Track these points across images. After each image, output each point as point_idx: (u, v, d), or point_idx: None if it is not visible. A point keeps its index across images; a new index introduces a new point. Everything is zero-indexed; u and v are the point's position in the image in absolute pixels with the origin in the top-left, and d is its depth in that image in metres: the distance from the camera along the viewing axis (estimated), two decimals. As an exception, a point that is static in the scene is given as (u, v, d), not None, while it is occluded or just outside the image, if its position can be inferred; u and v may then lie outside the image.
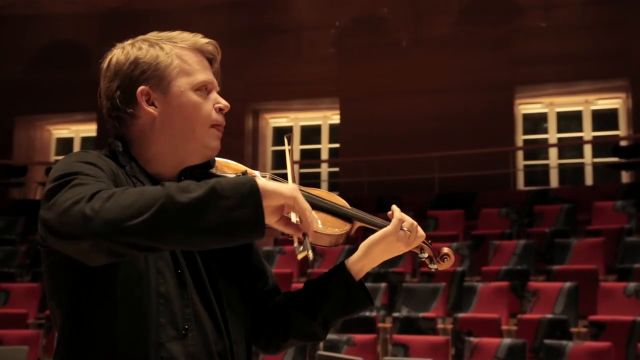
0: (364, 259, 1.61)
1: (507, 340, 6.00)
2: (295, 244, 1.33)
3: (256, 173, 1.61)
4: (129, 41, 1.56)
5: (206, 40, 1.57)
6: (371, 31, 11.47)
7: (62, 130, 13.30)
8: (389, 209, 1.64)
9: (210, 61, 1.57)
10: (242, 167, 1.61)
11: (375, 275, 7.67)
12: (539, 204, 9.09)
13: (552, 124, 11.19)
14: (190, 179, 1.49)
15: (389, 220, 1.61)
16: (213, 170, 1.57)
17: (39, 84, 12.47)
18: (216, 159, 1.60)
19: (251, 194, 1.24)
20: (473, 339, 6.08)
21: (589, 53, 10.44)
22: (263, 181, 1.27)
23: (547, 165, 11.18)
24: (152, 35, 1.57)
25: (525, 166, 11.22)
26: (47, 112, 12.71)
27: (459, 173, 10.43)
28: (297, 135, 12.14)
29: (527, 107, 11.27)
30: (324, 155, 12.12)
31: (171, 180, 1.53)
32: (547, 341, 5.96)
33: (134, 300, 1.39)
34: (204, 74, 1.53)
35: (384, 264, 7.85)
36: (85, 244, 1.24)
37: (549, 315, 6.43)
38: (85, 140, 13.17)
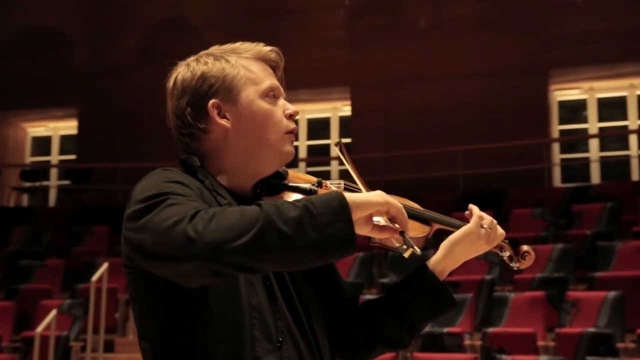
0: (446, 259, 1.76)
1: (543, 358, 6.01)
2: (397, 245, 1.52)
3: (328, 183, 1.77)
4: (192, 58, 1.72)
5: (269, 48, 1.74)
6: (385, 11, 11.48)
7: (38, 128, 13.38)
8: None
9: (274, 69, 1.74)
10: (312, 178, 1.77)
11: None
12: (578, 203, 9.09)
13: (592, 111, 11.18)
14: (266, 191, 1.68)
15: (465, 221, 1.77)
16: (287, 181, 1.72)
17: (12, 76, 12.55)
18: (288, 170, 1.76)
19: (341, 209, 1.40)
20: (505, 357, 6.08)
21: (634, 30, 10.40)
22: (351, 194, 1.44)
23: (587, 159, 11.16)
24: (215, 49, 1.73)
25: (562, 160, 11.20)
26: (21, 107, 12.80)
27: (486, 169, 10.43)
28: (302, 130, 12.17)
29: (563, 93, 11.26)
30: (334, 151, 12.13)
31: (247, 191, 1.69)
32: (589, 358, 5.95)
33: (227, 313, 1.52)
34: (270, 80, 1.70)
35: (404, 272, 7.86)
36: (188, 266, 1.38)
37: (592, 329, 6.44)
38: (64, 139, 13.25)
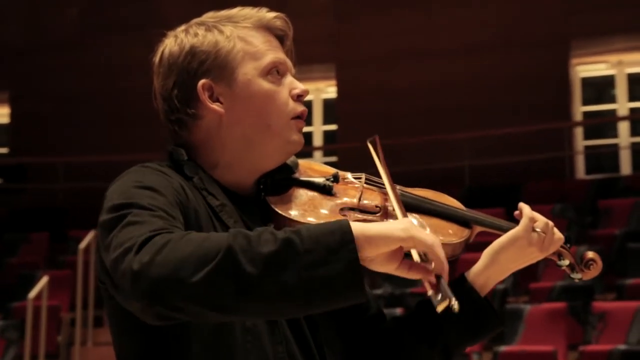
0: (490, 269, 1.73)
1: (565, 380, 6.08)
2: (430, 292, 1.37)
3: (349, 176, 1.75)
4: (182, 27, 1.69)
5: (273, 14, 1.71)
6: (375, -28, 11.51)
7: (-37, 117, 13.32)
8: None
9: (281, 39, 1.72)
10: (329, 169, 1.75)
11: (389, 297, 7.75)
12: (606, 198, 9.18)
13: (621, 89, 11.24)
14: (271, 187, 1.66)
15: (515, 221, 1.74)
16: (297, 175, 1.70)
17: None
18: (299, 161, 1.74)
19: (343, 245, 1.30)
20: (520, 380, 6.16)
21: (668, -6, 10.48)
22: (362, 226, 1.33)
23: (615, 146, 11.24)
24: (209, 17, 1.70)
25: (587, 147, 11.28)
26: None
27: (496, 159, 10.50)
28: (280, 115, 12.19)
29: (587, 68, 11.33)
30: (317, 140, 12.18)
31: (247, 189, 1.66)
32: (618, 380, 6.04)
33: (217, 337, 1.50)
34: (273, 53, 1.67)
35: (400, 283, 7.93)
36: (134, 305, 1.35)
37: (622, 347, 6.52)
38: (-5, 130, 13.19)
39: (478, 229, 1.75)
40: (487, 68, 10.85)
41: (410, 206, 1.71)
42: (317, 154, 12.23)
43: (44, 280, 7.65)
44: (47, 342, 7.66)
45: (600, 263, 1.77)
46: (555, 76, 10.88)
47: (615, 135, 11.29)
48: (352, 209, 1.66)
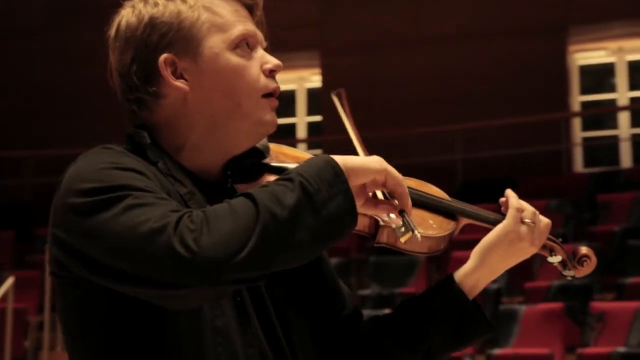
0: (480, 270, 1.70)
1: (562, 384, 6.11)
2: (393, 226, 1.51)
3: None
4: None
5: None
6: (362, -46, 11.51)
7: None
8: None
9: (250, 8, 1.67)
10: (303, 154, 1.72)
11: (377, 298, 7.76)
12: (605, 192, 9.23)
13: (621, 78, 11.27)
14: (240, 173, 1.62)
15: (501, 213, 1.71)
16: (268, 160, 1.66)
17: None
18: (270, 144, 1.70)
19: (336, 177, 1.41)
20: (515, 384, 6.18)
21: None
22: (342, 158, 1.44)
23: (615, 138, 11.28)
24: None
25: (585, 139, 11.32)
26: None
27: (490, 152, 10.53)
28: (261, 106, 12.17)
29: (585, 55, 11.36)
30: (301, 132, 12.18)
31: (214, 174, 1.63)
32: (618, 383, 6.07)
33: (185, 339, 1.47)
34: (242, 25, 1.62)
35: (389, 283, 7.95)
36: (179, 292, 1.35)
37: (622, 349, 6.55)
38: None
39: (464, 221, 1.73)
40: (480, 56, 10.87)
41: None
42: (301, 147, 12.22)
43: (10, 281, 7.62)
44: (14, 347, 7.63)
45: (594, 259, 1.74)
46: (551, 64, 10.90)
47: (614, 126, 11.32)
48: None
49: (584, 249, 1.74)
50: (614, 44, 11.19)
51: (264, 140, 1.67)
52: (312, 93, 12.20)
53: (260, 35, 1.65)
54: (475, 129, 10.51)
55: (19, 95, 12.16)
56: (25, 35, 12.20)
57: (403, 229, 1.48)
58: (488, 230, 1.72)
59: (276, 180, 1.41)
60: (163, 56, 1.57)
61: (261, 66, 1.62)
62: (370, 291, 8.04)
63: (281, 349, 1.58)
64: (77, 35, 11.65)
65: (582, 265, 1.74)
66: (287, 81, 12.29)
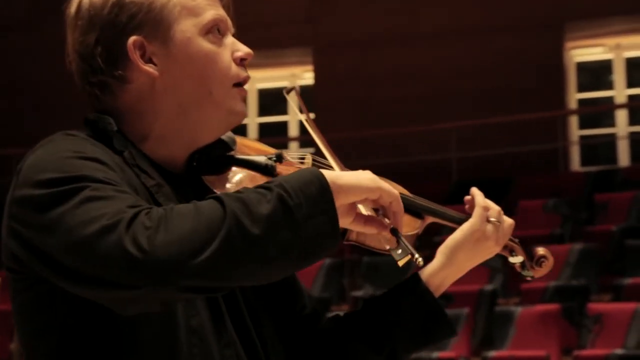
0: (447, 269, 1.71)
1: (558, 387, 6.12)
2: (388, 247, 1.45)
3: (293, 155, 1.71)
4: None
5: None
6: (355, -51, 11.51)
7: None
8: None
9: None
10: (266, 148, 1.69)
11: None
12: (602, 191, 9.24)
13: (619, 75, 11.27)
14: (206, 165, 1.58)
15: (466, 212, 1.72)
16: (234, 153, 1.62)
17: None
18: (236, 137, 1.66)
19: (322, 195, 1.35)
20: (511, 387, 6.19)
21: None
22: (333, 174, 1.38)
23: (612, 136, 11.29)
24: None
25: (582, 138, 11.34)
26: None
27: (486, 151, 10.54)
28: (252, 103, 12.19)
29: (582, 52, 11.37)
30: (293, 130, 12.17)
31: (178, 165, 1.59)
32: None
33: (157, 339, 1.43)
34: (214, 9, 1.59)
35: (382, 284, 7.95)
36: (126, 294, 1.29)
37: (619, 351, 6.57)
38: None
39: (429, 219, 1.73)
40: (475, 52, 10.87)
41: None
42: (293, 145, 12.21)
43: (-4, 282, 7.61)
44: (0, 350, 7.62)
45: (551, 260, 1.76)
46: (548, 61, 10.91)
47: (612, 124, 11.31)
48: None
49: (541, 250, 1.77)
50: (611, 41, 11.18)
51: (230, 132, 1.64)
52: (304, 90, 12.18)
53: (229, 21, 1.62)
54: (470, 127, 10.51)
55: (7, 93, 12.13)
56: (2, 32, 12.16)
57: (400, 251, 1.41)
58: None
59: (255, 187, 1.35)
60: (132, 38, 1.52)
61: (232, 54, 1.59)
62: (364, 292, 8.04)
63: (256, 350, 1.56)
64: (59, 31, 11.61)
65: (540, 266, 1.76)
66: (278, 78, 12.28)
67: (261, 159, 1.61)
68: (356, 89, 11.28)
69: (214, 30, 1.58)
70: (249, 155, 1.63)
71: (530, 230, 8.60)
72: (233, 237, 1.28)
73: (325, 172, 1.37)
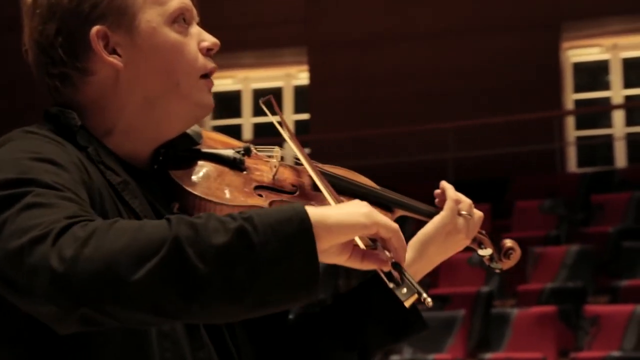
0: (418, 262, 1.70)
1: (555, 389, 6.12)
2: (391, 285, 1.29)
3: (261, 149, 1.65)
4: None
5: None
6: (351, -52, 11.50)
7: None
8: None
9: None
10: (234, 142, 1.65)
11: None
12: (599, 192, 9.25)
13: (616, 75, 11.28)
14: (173, 160, 1.53)
15: (434, 205, 1.72)
16: (200, 147, 1.59)
17: None
18: (201, 130, 1.62)
19: (299, 235, 1.20)
20: (507, 389, 6.19)
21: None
22: (320, 212, 1.24)
23: (609, 137, 11.29)
24: None
25: (578, 138, 11.34)
26: None
27: (482, 151, 10.53)
28: (247, 103, 12.17)
29: (579, 52, 11.37)
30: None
31: (143, 161, 1.53)
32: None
33: (128, 343, 1.37)
34: None
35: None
36: (48, 309, 1.20)
37: (616, 353, 6.57)
38: None
39: (399, 212, 1.72)
40: (471, 52, 10.87)
41: (332, 187, 1.61)
42: (289, 146, 12.19)
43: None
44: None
45: (519, 251, 1.76)
46: (545, 61, 10.91)
47: (609, 125, 11.32)
48: (267, 187, 1.58)
49: (508, 242, 1.77)
50: (608, 41, 11.19)
51: (196, 125, 1.60)
52: (299, 90, 12.18)
53: (194, 9, 1.56)
54: (466, 127, 10.51)
55: (7, 93, 12.11)
56: (12, 30, 12.13)
57: (405, 290, 1.27)
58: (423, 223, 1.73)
59: (225, 215, 1.23)
60: (95, 28, 1.47)
61: (198, 44, 1.54)
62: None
63: (229, 353, 1.51)
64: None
65: (508, 258, 1.76)
66: (273, 78, 12.28)
67: (229, 152, 1.57)
68: (352, 89, 11.27)
69: (179, 20, 1.52)
70: (216, 148, 1.59)
71: (527, 231, 8.61)
72: (168, 265, 1.16)
73: (312, 210, 1.23)
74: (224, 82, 12.40)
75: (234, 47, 11.68)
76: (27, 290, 1.20)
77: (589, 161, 11.26)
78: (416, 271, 1.68)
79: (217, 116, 12.32)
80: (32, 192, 1.26)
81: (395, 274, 1.29)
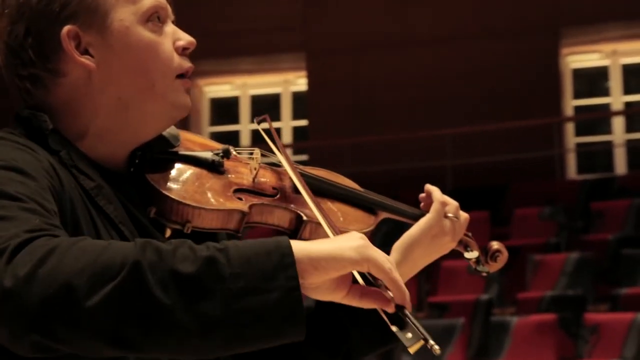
0: (403, 266, 1.66)
1: (555, 398, 6.10)
2: (394, 328, 1.20)
3: (241, 151, 1.62)
4: None
5: None
6: (350, -46, 11.50)
7: None
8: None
9: None
10: (213, 144, 1.62)
11: None
12: (599, 200, 9.24)
13: (616, 82, 11.29)
14: (149, 163, 1.50)
15: (418, 207, 1.71)
16: (177, 149, 1.55)
17: None
18: (179, 132, 1.60)
19: (280, 270, 1.13)
20: (506, 398, 6.17)
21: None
22: (306, 246, 1.17)
23: (609, 143, 11.30)
24: None
25: (578, 145, 11.34)
26: None
27: (481, 158, 10.53)
28: (245, 109, 12.16)
29: (578, 58, 11.38)
30: (286, 136, 12.15)
31: (119, 164, 1.50)
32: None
33: None
34: None
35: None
36: (1, 330, 1.13)
37: (616, 361, 6.55)
38: None
39: (383, 215, 1.70)
40: (470, 58, 10.87)
41: (314, 189, 1.58)
42: (287, 152, 12.18)
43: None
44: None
45: (506, 254, 1.75)
46: (543, 67, 10.92)
47: (609, 131, 11.34)
48: (247, 190, 1.55)
49: (495, 244, 1.76)
50: (608, 47, 11.21)
51: (173, 127, 1.56)
52: (297, 96, 12.18)
53: (169, 7, 1.53)
54: (465, 133, 10.52)
55: (7, 93, 12.09)
56: None
57: (411, 335, 1.18)
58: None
59: (193, 245, 1.16)
60: (66, 28, 1.43)
61: (174, 43, 1.50)
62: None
63: None
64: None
65: (495, 260, 1.75)
66: (271, 84, 12.28)
67: (207, 154, 1.54)
68: (350, 95, 11.27)
69: (153, 18, 1.48)
70: (194, 151, 1.55)
71: (526, 238, 8.61)
72: (124, 293, 1.09)
73: (297, 244, 1.15)
74: (221, 88, 12.40)
75: (232, 53, 11.69)
76: None
77: (588, 168, 11.27)
78: (400, 275, 1.62)
79: (214, 122, 12.33)
80: None
81: (398, 314, 1.20)
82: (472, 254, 1.74)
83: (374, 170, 10.70)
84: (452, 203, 1.70)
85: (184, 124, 11.73)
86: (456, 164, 10.57)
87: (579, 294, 7.52)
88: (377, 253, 1.20)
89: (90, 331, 1.11)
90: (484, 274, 1.79)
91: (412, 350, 1.19)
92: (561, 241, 8.60)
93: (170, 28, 1.51)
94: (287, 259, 1.14)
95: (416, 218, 1.70)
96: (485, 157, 10.50)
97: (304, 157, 11.86)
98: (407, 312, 1.20)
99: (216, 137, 12.17)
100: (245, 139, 12.02)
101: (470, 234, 1.75)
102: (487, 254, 1.75)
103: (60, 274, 1.10)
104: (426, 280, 8.48)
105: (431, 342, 1.17)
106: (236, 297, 1.11)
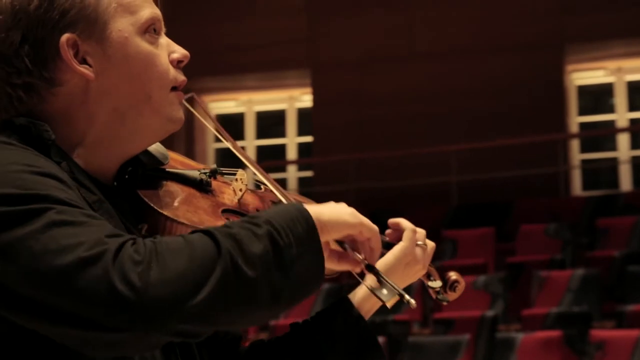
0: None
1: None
2: (368, 286, 1.40)
3: (226, 172, 1.65)
4: None
5: None
6: (355, -29, 11.54)
7: None
8: (387, 227, 1.72)
9: None
10: (195, 164, 1.65)
11: (370, 325, 7.73)
12: (604, 216, 9.24)
13: (620, 98, 11.31)
14: (142, 180, 1.50)
15: (419, 225, 1.72)
16: (165, 167, 1.56)
17: None
18: (167, 151, 1.61)
19: (309, 234, 1.28)
20: (512, 415, 6.16)
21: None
22: (316, 210, 1.32)
23: (614, 160, 11.31)
24: None
25: (583, 162, 11.36)
26: None
27: (486, 174, 10.54)
28: (250, 125, 12.18)
29: (583, 75, 11.40)
30: (291, 153, 12.17)
31: (109, 177, 1.49)
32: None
33: None
34: (150, 7, 1.50)
35: (381, 309, 7.90)
36: (108, 336, 1.18)
37: (622, 378, 6.54)
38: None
39: None
40: (476, 75, 10.89)
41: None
42: (291, 168, 12.21)
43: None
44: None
45: (463, 283, 1.76)
46: (548, 83, 10.93)
47: (614, 148, 11.35)
48: (233, 211, 1.57)
49: (453, 274, 1.77)
50: (613, 64, 11.23)
51: (161, 146, 1.58)
52: (302, 113, 12.20)
53: (162, 20, 1.53)
54: (470, 150, 10.52)
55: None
56: None
57: (386, 292, 1.36)
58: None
59: (241, 221, 1.27)
60: (65, 36, 1.42)
61: (169, 55, 1.50)
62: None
63: None
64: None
65: (454, 290, 1.76)
66: (277, 101, 12.30)
67: (195, 173, 1.57)
68: (355, 111, 11.29)
69: (150, 30, 1.48)
70: (178, 169, 1.57)
71: (531, 254, 8.61)
72: (228, 278, 1.20)
73: (309, 208, 1.31)
74: (227, 105, 12.43)
75: (237, 70, 11.73)
76: (70, 314, 1.17)
77: (593, 185, 11.27)
78: (375, 302, 1.63)
79: (219, 138, 12.33)
80: (52, 208, 1.21)
81: (372, 276, 1.38)
82: (435, 283, 1.74)
83: (379, 187, 10.72)
84: (421, 231, 1.70)
85: (189, 141, 11.78)
86: (461, 180, 10.58)
87: (585, 310, 7.51)
88: (367, 219, 1.38)
89: (204, 319, 1.21)
90: (445, 304, 1.80)
91: (389, 304, 1.38)
92: (566, 258, 8.60)
93: (164, 40, 1.51)
94: (311, 223, 1.29)
95: (388, 247, 1.68)
96: (491, 173, 10.50)
97: (308, 174, 11.87)
98: (378, 271, 1.38)
99: (221, 153, 12.19)
100: (250, 155, 12.00)
101: (432, 264, 1.74)
102: (446, 284, 1.75)
103: (169, 275, 1.18)
104: (431, 297, 8.47)
105: (406, 296, 1.34)
106: (290, 265, 1.25)
